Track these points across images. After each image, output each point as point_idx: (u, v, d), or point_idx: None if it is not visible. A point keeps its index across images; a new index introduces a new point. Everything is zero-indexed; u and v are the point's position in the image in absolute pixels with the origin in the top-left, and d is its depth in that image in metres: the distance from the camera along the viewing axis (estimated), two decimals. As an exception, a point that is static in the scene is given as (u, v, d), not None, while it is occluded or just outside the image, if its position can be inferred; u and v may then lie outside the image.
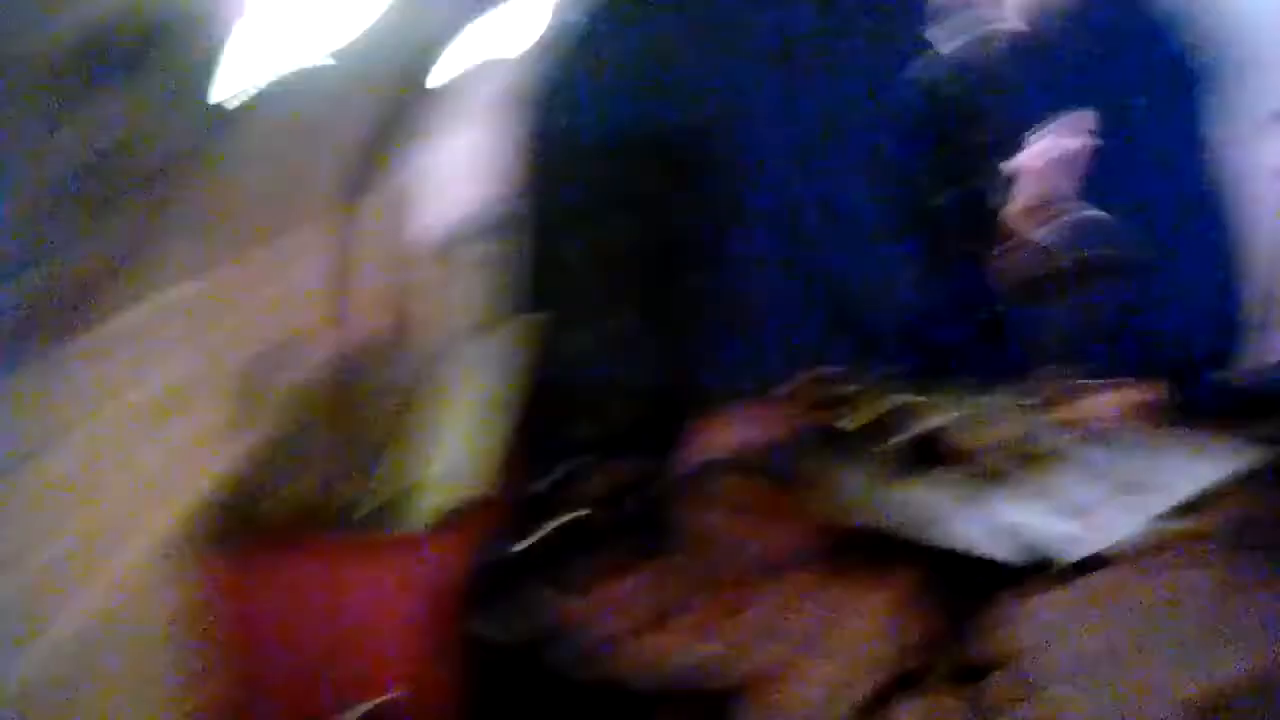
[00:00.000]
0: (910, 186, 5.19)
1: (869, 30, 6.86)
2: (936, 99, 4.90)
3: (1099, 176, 5.73)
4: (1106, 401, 6.80)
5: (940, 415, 2.91)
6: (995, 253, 4.94)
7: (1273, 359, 4.97)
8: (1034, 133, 5.15)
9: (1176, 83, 7.09)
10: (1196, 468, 2.88)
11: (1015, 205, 4.99)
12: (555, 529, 3.62)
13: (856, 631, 4.07)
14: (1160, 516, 2.60)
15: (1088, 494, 2.34)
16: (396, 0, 2.71)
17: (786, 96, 6.87)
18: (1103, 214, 5.35)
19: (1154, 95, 7.04)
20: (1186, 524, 4.73)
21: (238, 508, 2.66)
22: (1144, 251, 5.35)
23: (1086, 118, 5.10)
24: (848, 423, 3.01)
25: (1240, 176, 7.16)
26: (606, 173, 4.16)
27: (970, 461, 2.71)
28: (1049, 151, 5.07)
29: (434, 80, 4.15)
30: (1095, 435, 3.31)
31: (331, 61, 2.53)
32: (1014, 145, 4.99)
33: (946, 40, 4.99)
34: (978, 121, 4.89)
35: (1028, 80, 5.10)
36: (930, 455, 2.78)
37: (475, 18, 3.98)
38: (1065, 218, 5.22)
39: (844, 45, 6.87)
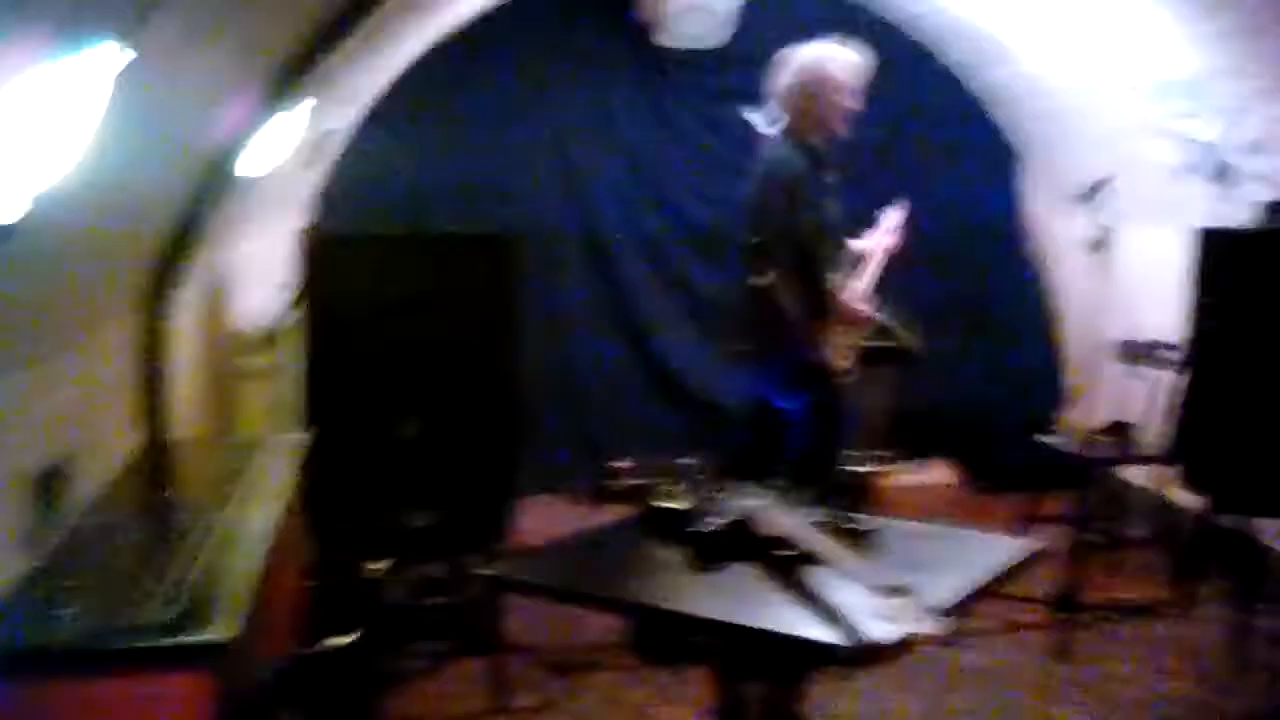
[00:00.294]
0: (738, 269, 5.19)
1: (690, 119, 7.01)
2: (771, 183, 4.92)
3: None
4: (910, 480, 6.96)
5: (754, 499, 2.88)
6: (824, 335, 4.97)
7: (1084, 427, 5.11)
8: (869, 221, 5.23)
9: (994, 160, 7.34)
10: (1000, 544, 2.91)
11: (856, 288, 5.03)
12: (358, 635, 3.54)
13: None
14: (972, 592, 2.60)
15: (899, 573, 2.31)
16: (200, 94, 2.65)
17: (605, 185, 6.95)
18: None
19: (972, 172, 7.29)
20: (1000, 594, 4.89)
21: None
22: (922, 341, 5.45)
23: (903, 213, 5.21)
24: (661, 509, 2.96)
25: (1050, 249, 7.41)
26: (399, 272, 4.12)
27: (785, 545, 2.68)
28: (885, 238, 5.15)
29: (240, 173, 4.09)
30: (906, 516, 3.38)
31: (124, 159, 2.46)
32: (843, 230, 5.04)
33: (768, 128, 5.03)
34: (812, 207, 4.91)
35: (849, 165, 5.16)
36: (745, 540, 2.74)
37: (275, 113, 3.95)
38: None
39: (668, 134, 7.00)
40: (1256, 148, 5.22)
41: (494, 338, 4.23)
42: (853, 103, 4.90)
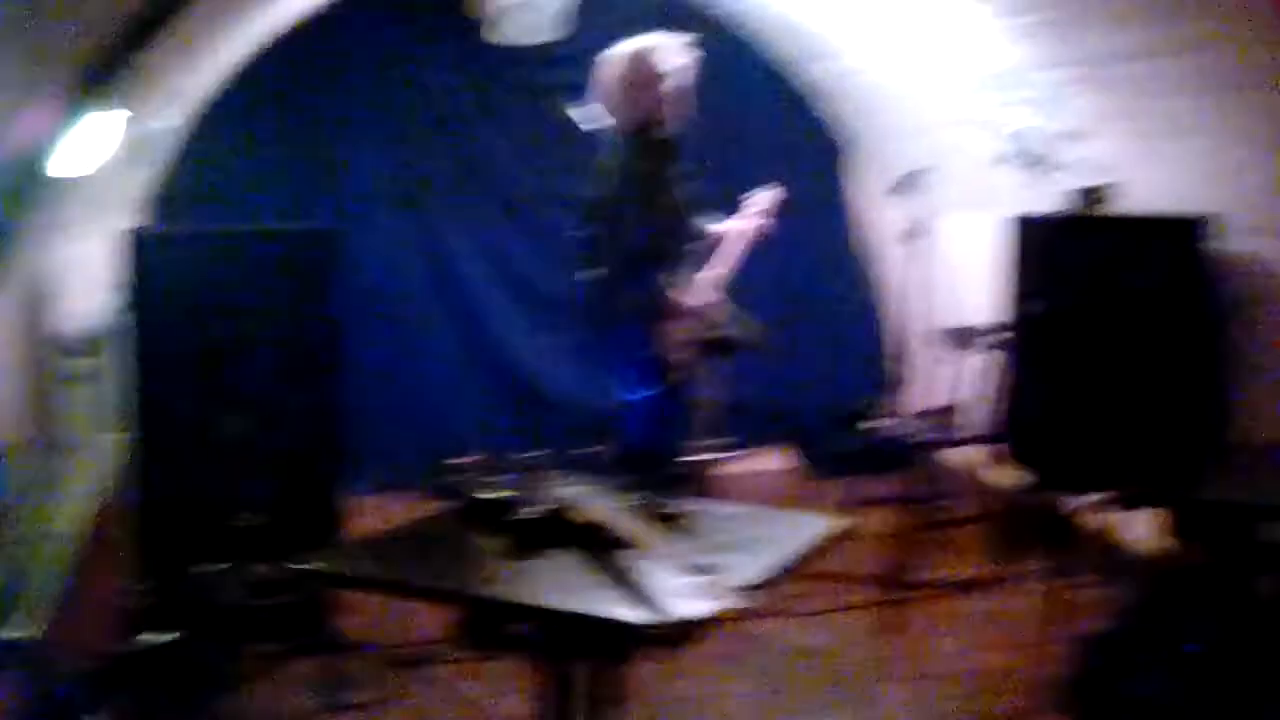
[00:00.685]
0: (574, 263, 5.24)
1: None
2: (604, 178, 4.99)
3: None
4: (744, 468, 7.09)
5: (572, 488, 2.94)
6: (658, 329, 5.04)
7: (906, 414, 5.27)
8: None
9: (818, 153, 7.51)
10: (809, 522, 3.00)
11: (707, 277, 5.10)
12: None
13: (510, 711, 4.09)
14: (780, 569, 2.69)
15: (710, 554, 2.38)
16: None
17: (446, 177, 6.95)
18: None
19: (797, 165, 7.43)
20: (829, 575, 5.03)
21: None
22: (764, 330, 5.56)
23: (775, 195, 5.23)
24: (480, 499, 3.00)
25: (873, 240, 7.61)
26: (223, 270, 4.11)
27: (600, 531, 2.74)
28: (749, 222, 5.18)
29: (56, 173, 4.01)
30: (741, 502, 3.48)
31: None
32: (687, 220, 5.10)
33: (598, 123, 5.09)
34: (648, 200, 4.97)
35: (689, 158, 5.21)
36: (562, 528, 2.80)
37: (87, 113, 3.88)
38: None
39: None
40: (1070, 137, 5.42)
41: (318, 333, 4.23)
42: (680, 94, 4.96)
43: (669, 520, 2.82)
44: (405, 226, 6.88)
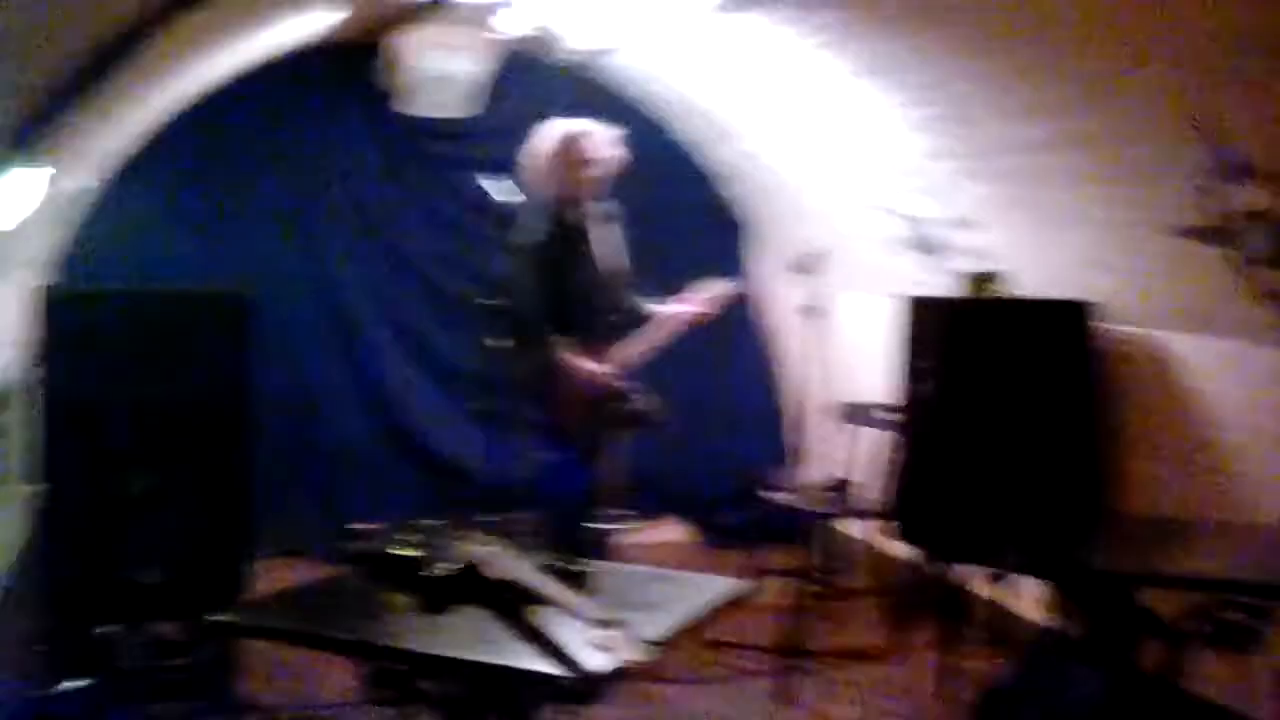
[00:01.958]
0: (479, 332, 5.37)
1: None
2: (517, 251, 5.15)
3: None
4: (644, 538, 7.19)
5: (478, 547, 3.01)
6: (560, 398, 5.17)
7: (803, 487, 5.40)
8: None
9: (721, 232, 7.69)
10: (711, 583, 3.10)
11: (624, 351, 5.25)
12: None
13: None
14: (684, 625, 2.78)
15: (616, 610, 2.47)
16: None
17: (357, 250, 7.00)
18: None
19: (702, 243, 7.62)
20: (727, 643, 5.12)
21: None
22: (664, 406, 5.73)
23: (727, 289, 5.44)
24: (392, 556, 3.06)
25: (773, 316, 7.79)
26: (134, 330, 4.15)
27: (511, 588, 2.81)
28: (692, 308, 5.34)
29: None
30: (628, 564, 3.57)
31: None
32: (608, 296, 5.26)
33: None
34: (559, 275, 5.14)
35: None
36: (473, 584, 2.87)
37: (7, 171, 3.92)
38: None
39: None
40: (963, 223, 5.64)
41: (225, 395, 4.26)
42: (602, 181, 5.19)
43: (576, 579, 2.90)
44: (312, 292, 6.90)
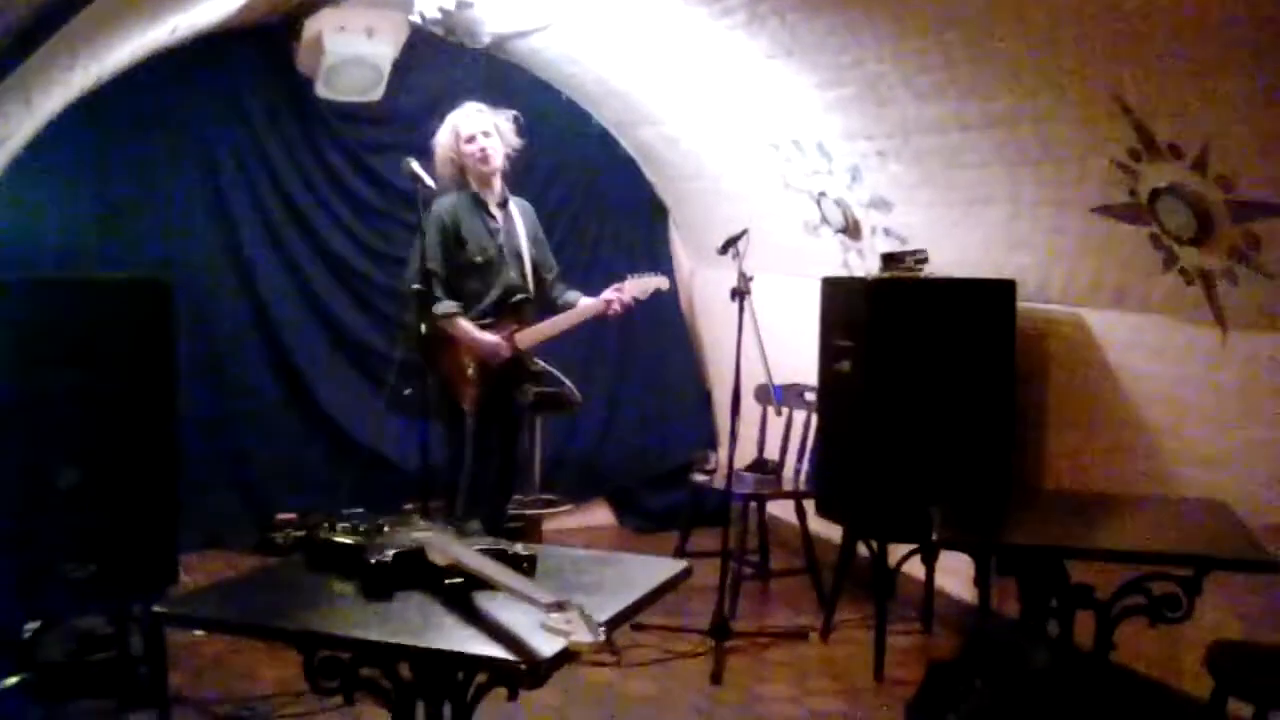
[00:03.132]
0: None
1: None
2: (421, 231, 5.26)
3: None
4: (571, 522, 7.23)
5: (420, 532, 3.00)
6: (453, 374, 5.24)
7: (730, 469, 5.42)
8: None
9: (645, 215, 7.71)
10: (654, 564, 3.12)
11: (527, 333, 5.33)
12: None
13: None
14: (631, 605, 2.79)
15: (559, 596, 2.46)
16: None
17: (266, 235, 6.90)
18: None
19: (626, 226, 7.63)
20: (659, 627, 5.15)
21: None
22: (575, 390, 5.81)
23: (651, 284, 5.55)
24: (329, 543, 3.03)
25: (696, 299, 7.82)
26: (50, 319, 4.08)
27: (455, 572, 2.80)
28: (613, 301, 5.44)
29: None
30: (563, 547, 3.58)
31: None
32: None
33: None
34: (460, 249, 5.30)
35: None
36: (414, 569, 2.85)
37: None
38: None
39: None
40: (878, 203, 5.69)
41: (147, 382, 4.19)
42: (487, 159, 5.31)
43: (519, 562, 2.89)
44: (228, 277, 6.79)
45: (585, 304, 5.50)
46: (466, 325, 5.24)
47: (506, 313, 5.37)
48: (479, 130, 5.32)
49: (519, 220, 5.48)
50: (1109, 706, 4.32)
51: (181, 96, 6.58)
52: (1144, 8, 3.76)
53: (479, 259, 5.31)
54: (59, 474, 3.95)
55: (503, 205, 5.45)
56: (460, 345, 5.28)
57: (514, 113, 5.49)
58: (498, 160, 5.37)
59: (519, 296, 5.41)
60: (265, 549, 6.31)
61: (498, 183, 5.42)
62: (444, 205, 5.34)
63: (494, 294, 5.35)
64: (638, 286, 5.51)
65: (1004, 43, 4.36)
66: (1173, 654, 4.44)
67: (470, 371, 5.27)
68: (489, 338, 5.26)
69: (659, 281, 5.58)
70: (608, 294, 5.46)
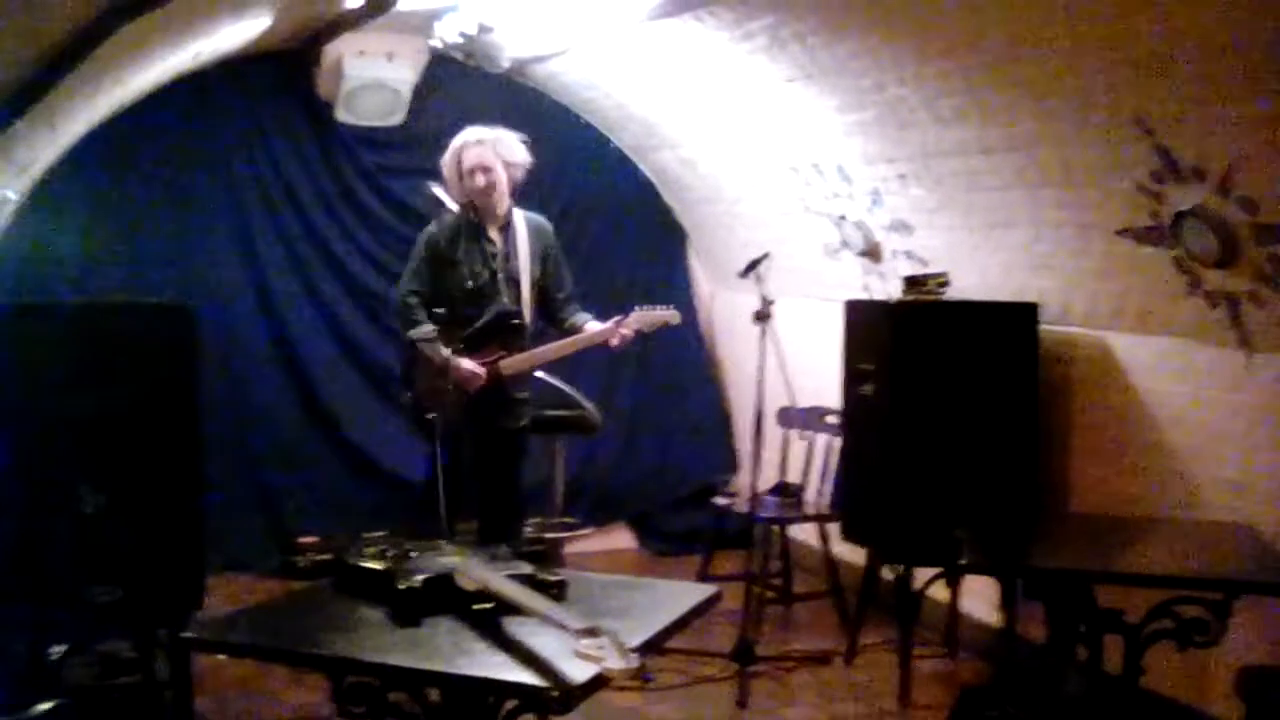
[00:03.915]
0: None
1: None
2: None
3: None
4: (593, 546, 7.21)
5: (447, 558, 2.99)
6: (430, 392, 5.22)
7: (753, 492, 5.42)
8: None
9: (664, 238, 7.72)
10: (683, 589, 3.11)
11: (519, 357, 5.26)
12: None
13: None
14: (661, 630, 2.79)
15: (593, 618, 2.46)
16: None
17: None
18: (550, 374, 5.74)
19: (645, 250, 7.64)
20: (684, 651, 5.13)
21: None
22: (595, 411, 5.78)
23: (660, 318, 5.37)
24: (357, 568, 3.04)
25: (717, 323, 7.83)
26: (73, 344, 4.09)
27: (484, 598, 2.80)
28: (612, 334, 5.29)
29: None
30: (585, 572, 3.57)
31: None
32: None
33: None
34: (450, 272, 5.26)
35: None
36: (443, 595, 2.85)
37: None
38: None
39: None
40: (899, 226, 5.69)
41: (171, 408, 4.20)
42: (488, 182, 5.20)
43: (548, 588, 2.89)
44: (248, 302, 6.82)
45: (585, 333, 5.34)
46: (442, 351, 5.13)
47: (494, 338, 5.27)
48: (479, 166, 5.20)
49: (523, 241, 5.35)
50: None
51: (203, 121, 6.61)
52: (1166, 31, 3.76)
53: (470, 284, 5.23)
54: (84, 497, 3.95)
55: (505, 227, 5.34)
56: (426, 360, 5.20)
57: (519, 135, 5.36)
58: (501, 189, 5.27)
59: (512, 322, 5.29)
60: (287, 572, 6.31)
61: (503, 207, 5.32)
62: (438, 228, 5.29)
63: (485, 320, 5.25)
64: (643, 319, 5.33)
65: (1026, 66, 4.36)
66: (1202, 679, 4.41)
67: (448, 393, 5.14)
68: (465, 365, 5.15)
69: (668, 315, 5.39)
70: (609, 325, 5.31)
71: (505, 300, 5.27)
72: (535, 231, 5.41)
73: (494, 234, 5.30)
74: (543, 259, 5.40)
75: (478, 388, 5.19)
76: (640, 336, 5.40)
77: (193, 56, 5.68)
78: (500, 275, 5.27)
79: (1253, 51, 3.59)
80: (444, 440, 5.07)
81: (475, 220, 5.26)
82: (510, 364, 5.22)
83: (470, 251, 5.25)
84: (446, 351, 5.12)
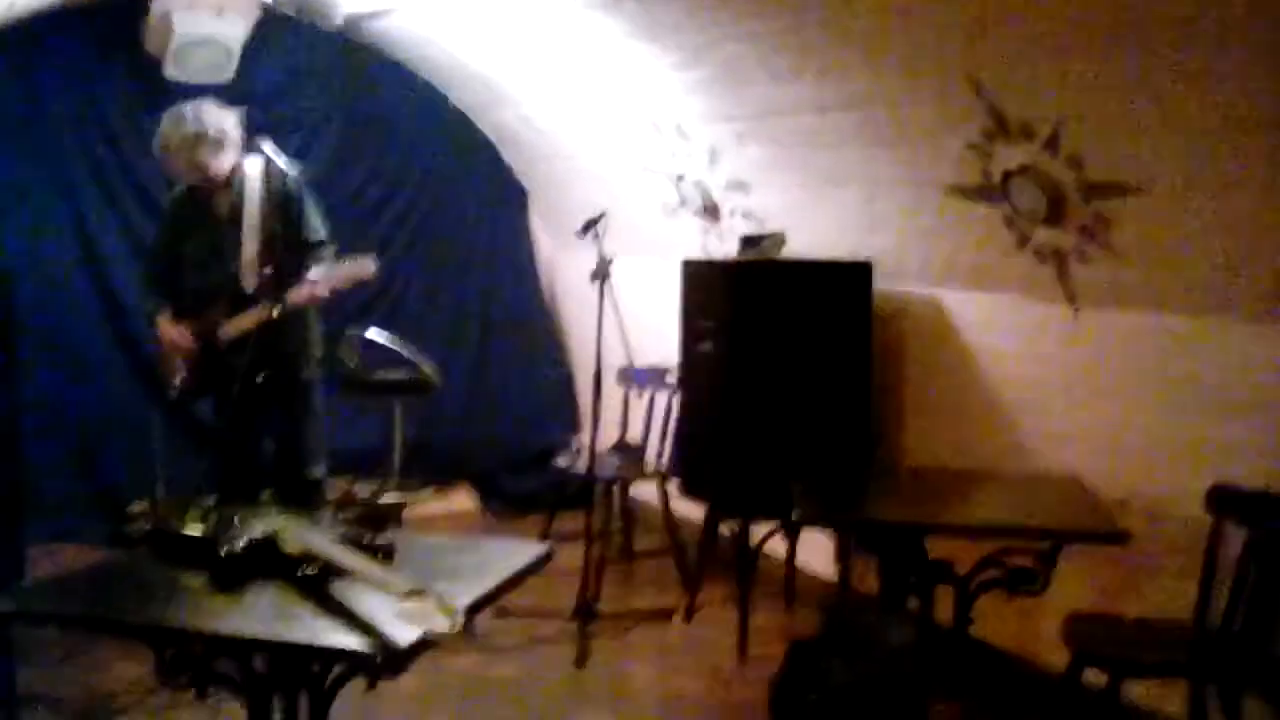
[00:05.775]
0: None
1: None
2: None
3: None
4: (434, 508, 7.15)
5: (270, 522, 2.92)
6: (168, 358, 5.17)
7: (593, 453, 5.42)
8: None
9: (503, 198, 7.65)
10: (499, 558, 3.06)
11: (239, 322, 5.05)
12: None
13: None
14: (490, 591, 2.76)
15: (422, 580, 2.42)
16: None
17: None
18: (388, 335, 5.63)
19: (484, 209, 7.56)
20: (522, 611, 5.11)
21: None
22: (434, 372, 5.69)
23: (351, 271, 5.04)
24: (176, 535, 2.95)
25: (558, 282, 7.79)
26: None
27: (309, 562, 2.74)
28: (318, 285, 4.95)
29: None
30: (419, 533, 3.53)
31: None
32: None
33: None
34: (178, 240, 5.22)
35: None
36: (267, 559, 2.78)
37: None
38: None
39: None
40: (737, 185, 5.71)
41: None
42: (193, 175, 5.07)
43: (376, 551, 2.83)
44: (74, 262, 6.57)
45: (305, 290, 4.96)
46: (161, 322, 5.12)
47: (213, 305, 5.09)
48: (188, 169, 5.03)
49: (253, 198, 5.07)
50: (968, 679, 4.40)
51: (23, 76, 6.33)
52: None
53: (195, 254, 5.14)
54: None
55: (231, 185, 5.08)
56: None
57: (232, 110, 5.14)
58: (217, 168, 5.02)
59: (232, 287, 5.07)
60: (117, 542, 6.11)
61: (224, 171, 5.06)
62: (171, 199, 5.26)
63: (208, 285, 5.10)
64: (331, 277, 4.95)
65: (859, 22, 4.38)
66: (1030, 627, 4.53)
67: (178, 362, 5.12)
68: (166, 330, 5.11)
69: (358, 269, 5.01)
70: (303, 286, 4.94)
71: (230, 265, 5.07)
72: (270, 182, 5.08)
73: (219, 198, 5.11)
74: (282, 207, 5.07)
75: (188, 352, 5.09)
76: (337, 294, 5.06)
77: (7, 6, 5.44)
78: (227, 239, 5.07)
79: (1082, 11, 3.65)
80: (219, 407, 5.16)
81: (200, 189, 5.11)
82: (230, 328, 5.03)
83: (195, 221, 5.14)
84: (163, 322, 5.11)
